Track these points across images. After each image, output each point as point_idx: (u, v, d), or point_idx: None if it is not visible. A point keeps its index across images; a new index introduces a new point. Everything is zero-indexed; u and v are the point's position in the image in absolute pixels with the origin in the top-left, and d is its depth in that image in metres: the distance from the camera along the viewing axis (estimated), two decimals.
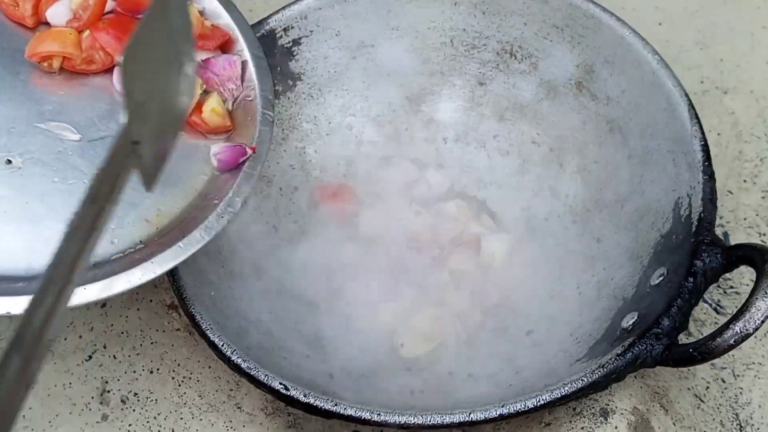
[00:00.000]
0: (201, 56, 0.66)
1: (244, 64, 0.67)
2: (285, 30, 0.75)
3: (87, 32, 0.63)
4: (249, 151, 0.62)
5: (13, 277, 0.55)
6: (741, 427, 0.67)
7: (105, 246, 0.58)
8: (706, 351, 0.55)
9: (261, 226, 0.74)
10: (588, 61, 0.73)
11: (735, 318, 0.55)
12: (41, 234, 0.57)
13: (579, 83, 0.74)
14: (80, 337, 0.71)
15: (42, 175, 0.59)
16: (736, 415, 0.68)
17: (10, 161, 0.59)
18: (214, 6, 0.68)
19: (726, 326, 0.55)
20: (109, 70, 0.65)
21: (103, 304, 0.72)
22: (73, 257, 0.43)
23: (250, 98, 0.66)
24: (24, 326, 0.37)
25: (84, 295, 0.54)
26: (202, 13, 0.68)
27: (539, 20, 0.74)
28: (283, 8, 0.75)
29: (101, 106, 0.64)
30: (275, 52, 0.75)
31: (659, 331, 0.58)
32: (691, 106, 0.66)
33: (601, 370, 0.57)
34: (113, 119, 0.63)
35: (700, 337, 0.68)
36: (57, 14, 0.65)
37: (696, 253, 0.60)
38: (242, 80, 0.66)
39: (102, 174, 0.46)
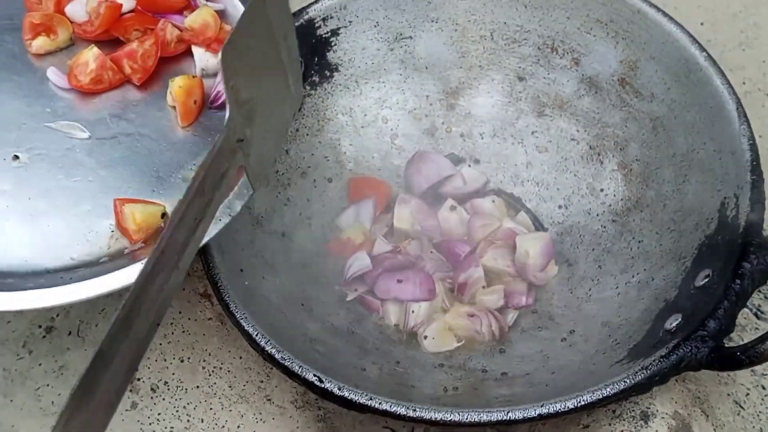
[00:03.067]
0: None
1: None
2: (324, 20, 0.74)
3: (97, 51, 0.63)
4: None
5: (6, 272, 0.55)
6: None
7: (89, 248, 0.57)
8: (754, 355, 0.54)
9: (294, 217, 0.73)
10: (632, 57, 0.72)
11: None
12: (41, 230, 0.56)
13: (622, 79, 0.73)
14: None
15: (47, 171, 0.59)
16: None
17: (17, 156, 0.59)
18: (237, 9, 0.67)
19: None
20: (117, 88, 0.65)
21: None
22: (181, 244, 0.44)
23: None
24: (137, 301, 0.41)
25: (62, 296, 0.53)
26: (221, 14, 0.66)
27: (583, 15, 0.73)
28: None
29: (115, 105, 0.63)
30: (313, 42, 0.74)
31: (705, 333, 0.56)
32: (739, 104, 0.65)
33: (645, 371, 0.56)
34: (125, 118, 0.63)
35: (741, 342, 0.67)
36: (75, 11, 0.66)
37: (744, 254, 0.58)
38: None
39: (207, 167, 0.46)
